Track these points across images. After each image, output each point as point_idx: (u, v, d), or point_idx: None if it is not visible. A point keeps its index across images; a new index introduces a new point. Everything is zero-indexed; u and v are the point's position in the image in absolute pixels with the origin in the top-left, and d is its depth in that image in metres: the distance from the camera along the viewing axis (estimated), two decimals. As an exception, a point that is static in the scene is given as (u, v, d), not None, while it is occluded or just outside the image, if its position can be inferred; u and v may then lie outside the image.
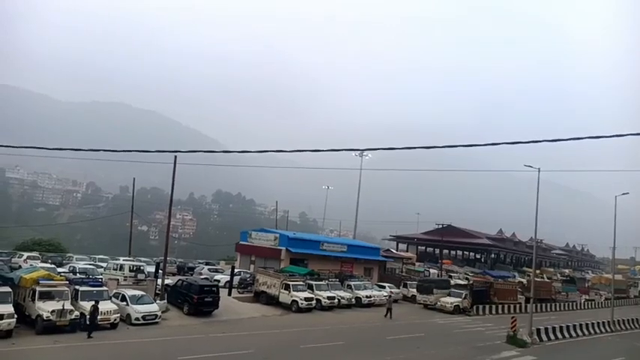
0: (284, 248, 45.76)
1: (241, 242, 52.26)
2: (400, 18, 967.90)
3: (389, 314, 33.92)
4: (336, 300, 35.87)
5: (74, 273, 34.17)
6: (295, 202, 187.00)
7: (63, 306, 21.24)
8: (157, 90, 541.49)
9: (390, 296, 37.52)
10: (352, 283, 40.45)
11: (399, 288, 46.22)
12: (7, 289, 21.35)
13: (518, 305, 45.58)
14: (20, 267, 33.21)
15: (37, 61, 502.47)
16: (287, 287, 33.79)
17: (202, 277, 40.90)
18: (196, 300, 28.21)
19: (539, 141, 10.64)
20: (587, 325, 33.73)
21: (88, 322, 21.49)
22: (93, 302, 22.17)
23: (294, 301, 33.11)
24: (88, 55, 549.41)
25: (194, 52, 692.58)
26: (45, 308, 21.07)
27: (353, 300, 37.94)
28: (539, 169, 31.27)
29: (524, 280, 64.14)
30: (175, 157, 29.99)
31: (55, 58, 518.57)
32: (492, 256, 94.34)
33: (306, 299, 33.26)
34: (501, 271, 75.78)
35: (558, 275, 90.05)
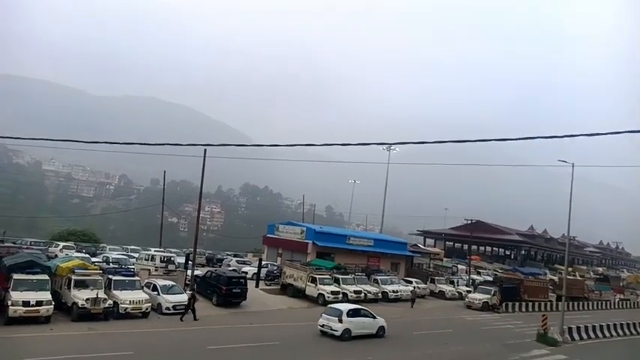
0: (311, 242, 45.93)
1: (268, 235, 52.74)
2: (421, 14, 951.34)
3: (412, 304, 37.07)
4: (363, 294, 35.77)
5: (107, 263, 35.15)
6: (321, 195, 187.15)
7: (97, 294, 21.91)
8: (187, 84, 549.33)
9: (414, 288, 40.24)
10: (379, 278, 40.27)
11: (426, 283, 45.80)
12: (46, 277, 22.16)
13: (549, 303, 44.56)
14: (56, 256, 34.34)
15: (74, 58, 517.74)
16: (314, 280, 33.94)
17: (230, 268, 41.52)
18: (225, 291, 28.65)
19: (575, 135, 10.32)
20: (622, 325, 32.66)
21: (185, 308, 24.53)
22: (191, 293, 25.34)
23: (320, 294, 33.24)
24: (121, 51, 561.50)
25: (221, 47, 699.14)
26: (80, 296, 21.79)
27: (379, 294, 37.81)
28: (573, 164, 30.35)
29: (555, 278, 62.69)
30: (205, 150, 30.47)
31: (91, 54, 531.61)
32: (523, 252, 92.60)
33: (332, 293, 33.32)
34: (532, 268, 74.34)
35: (591, 273, 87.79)
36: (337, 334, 22.45)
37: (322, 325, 23.31)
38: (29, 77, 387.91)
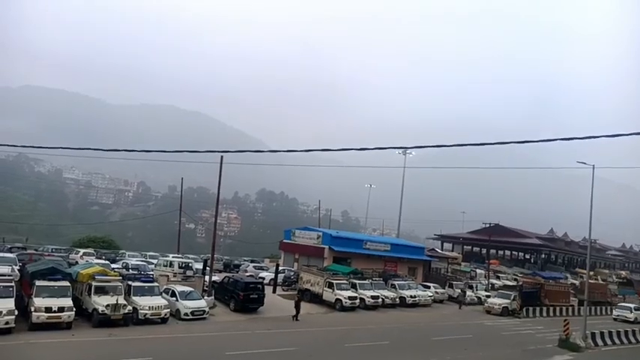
0: (327, 247, 45.84)
1: (285, 240, 52.79)
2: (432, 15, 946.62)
3: (460, 306, 40.44)
4: (380, 299, 35.58)
5: (127, 269, 35.52)
6: (337, 200, 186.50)
7: (117, 300, 22.16)
8: (204, 93, 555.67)
9: (462, 290, 44.01)
10: (396, 283, 39.96)
11: (444, 288, 45.33)
12: (67, 283, 22.50)
13: (570, 308, 43.62)
14: (77, 263, 34.79)
15: (93, 68, 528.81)
16: (331, 286, 33.85)
17: (248, 274, 41.65)
18: (242, 297, 28.72)
19: (597, 137, 10.11)
20: (648, 330, 31.88)
21: (296, 310, 27.83)
22: (298, 296, 29.08)
23: (337, 299, 33.13)
24: (139, 61, 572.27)
25: (239, 55, 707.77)
26: (100, 302, 22.05)
27: (397, 300, 37.50)
28: (593, 165, 29.77)
29: (577, 282, 61.46)
30: (222, 157, 30.71)
31: (110, 64, 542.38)
32: (543, 256, 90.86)
33: (350, 298, 33.20)
34: (552, 272, 72.81)
35: (614, 277, 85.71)
36: (631, 319, 37.79)
37: (617, 315, 39.62)
38: (49, 87, 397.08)
